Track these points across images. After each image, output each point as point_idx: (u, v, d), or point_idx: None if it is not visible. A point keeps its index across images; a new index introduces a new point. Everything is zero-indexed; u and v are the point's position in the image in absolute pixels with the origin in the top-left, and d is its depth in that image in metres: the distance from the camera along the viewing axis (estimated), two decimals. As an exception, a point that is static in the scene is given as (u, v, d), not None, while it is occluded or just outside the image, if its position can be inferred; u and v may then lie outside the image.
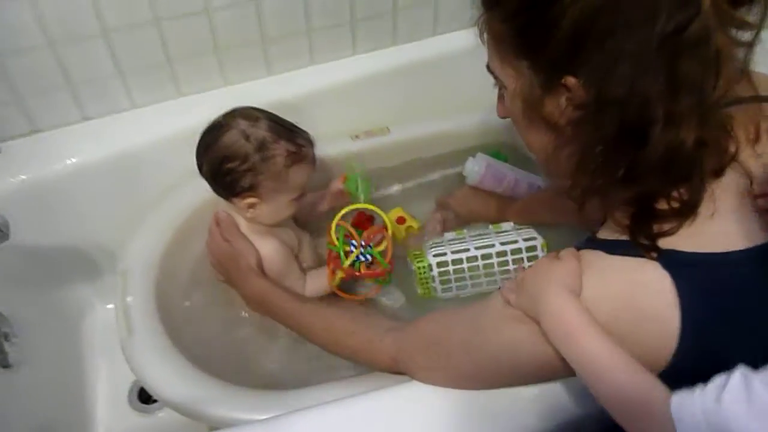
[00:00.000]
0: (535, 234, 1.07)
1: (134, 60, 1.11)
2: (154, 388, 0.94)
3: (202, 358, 0.99)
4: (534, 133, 0.71)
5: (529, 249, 1.06)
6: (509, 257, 1.05)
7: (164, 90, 1.18)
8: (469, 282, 1.06)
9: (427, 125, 1.33)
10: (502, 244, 1.05)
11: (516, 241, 1.06)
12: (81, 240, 1.22)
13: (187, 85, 1.20)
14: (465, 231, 1.13)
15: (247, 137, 0.99)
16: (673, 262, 0.60)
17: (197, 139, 1.02)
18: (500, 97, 0.76)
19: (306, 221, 1.22)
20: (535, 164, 1.28)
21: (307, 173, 1.05)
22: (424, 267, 1.06)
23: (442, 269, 1.05)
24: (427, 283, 1.07)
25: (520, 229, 1.11)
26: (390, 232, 1.09)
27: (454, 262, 1.05)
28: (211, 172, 1.02)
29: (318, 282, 1.11)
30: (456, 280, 1.06)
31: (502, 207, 1.24)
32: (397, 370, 0.86)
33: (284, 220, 1.09)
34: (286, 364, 1.08)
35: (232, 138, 0.99)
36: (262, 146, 0.99)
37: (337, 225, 1.07)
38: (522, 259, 1.05)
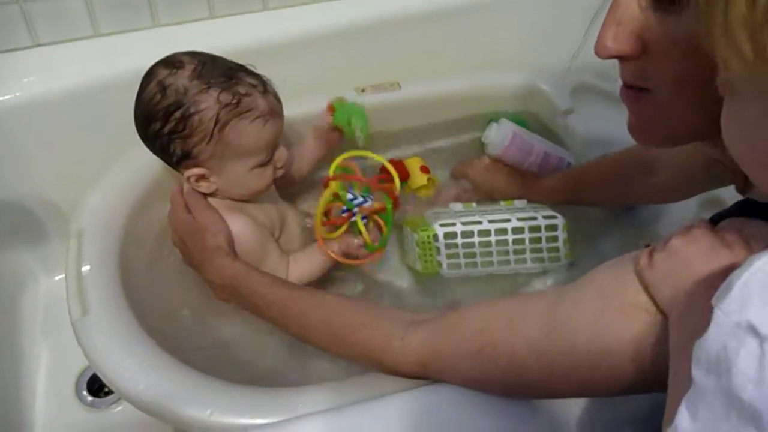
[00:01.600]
0: (554, 213, 0.98)
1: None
2: (114, 379, 0.75)
3: (174, 342, 0.81)
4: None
5: (549, 228, 0.97)
6: (526, 234, 0.97)
7: (137, 17, 1.01)
8: (479, 259, 0.97)
9: (444, 83, 1.18)
10: (519, 219, 0.97)
11: (535, 218, 0.97)
12: (22, 194, 1.04)
13: (166, 14, 1.02)
14: (474, 204, 1.05)
15: (163, 90, 0.79)
16: None
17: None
18: (621, 22, 0.53)
19: (293, 188, 1.04)
20: (564, 143, 1.15)
21: (262, 131, 0.83)
22: (428, 236, 0.95)
23: (450, 241, 0.96)
24: (430, 256, 0.96)
25: (536, 206, 1.02)
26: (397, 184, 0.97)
27: (464, 234, 0.96)
28: (141, 136, 0.84)
29: (305, 265, 0.93)
30: (465, 255, 0.96)
31: (530, 182, 1.09)
32: (425, 376, 0.68)
33: (259, 193, 0.90)
34: (280, 351, 0.91)
35: (149, 93, 0.80)
36: (183, 99, 0.79)
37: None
38: (540, 238, 0.97)
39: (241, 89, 0.81)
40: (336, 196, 0.93)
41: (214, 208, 0.87)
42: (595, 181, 1.00)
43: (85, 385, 1.03)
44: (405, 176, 1.10)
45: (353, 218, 0.94)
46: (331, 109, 0.98)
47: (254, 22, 1.06)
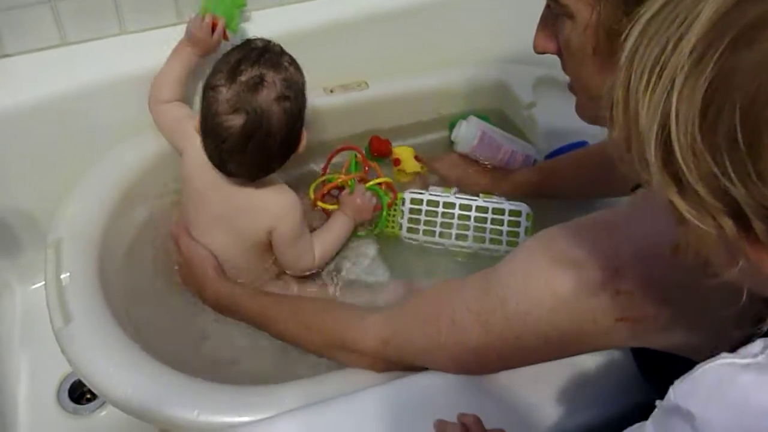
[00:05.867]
0: (522, 203, 1.03)
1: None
2: (100, 385, 0.77)
3: (158, 346, 0.83)
4: (606, 74, 0.58)
5: (513, 213, 1.02)
6: (489, 215, 1.02)
7: (105, 24, 0.99)
8: (438, 229, 1.03)
9: (411, 81, 1.19)
10: (486, 201, 1.03)
11: (501, 203, 1.03)
12: (-4, 205, 1.02)
13: (133, 21, 1.01)
14: (453, 189, 1.08)
15: (285, 96, 0.85)
16: None
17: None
18: (546, 26, 0.64)
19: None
20: (527, 135, 1.18)
21: None
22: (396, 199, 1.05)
23: (415, 206, 1.03)
24: (392, 218, 1.05)
25: (513, 202, 1.06)
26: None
27: (429, 203, 1.03)
28: (286, 155, 0.90)
29: (327, 237, 1.00)
30: (425, 223, 1.03)
31: (499, 176, 1.12)
32: (386, 356, 0.72)
33: None
34: (261, 352, 0.92)
35: (279, 113, 0.85)
36: (294, 83, 0.86)
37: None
38: (502, 221, 1.02)
39: (273, 46, 0.88)
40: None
41: (195, 243, 0.94)
42: (565, 174, 1.04)
43: (67, 393, 1.03)
44: (387, 152, 1.15)
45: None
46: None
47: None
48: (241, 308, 0.89)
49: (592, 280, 0.55)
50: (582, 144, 1.09)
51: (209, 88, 0.85)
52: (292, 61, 0.88)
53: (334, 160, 1.11)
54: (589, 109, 0.65)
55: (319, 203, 1.05)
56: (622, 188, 0.77)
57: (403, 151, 1.16)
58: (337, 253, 1.03)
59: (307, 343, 0.82)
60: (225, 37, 0.98)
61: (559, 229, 0.59)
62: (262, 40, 0.88)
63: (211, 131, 0.85)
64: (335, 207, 1.04)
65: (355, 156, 1.10)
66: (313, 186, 1.07)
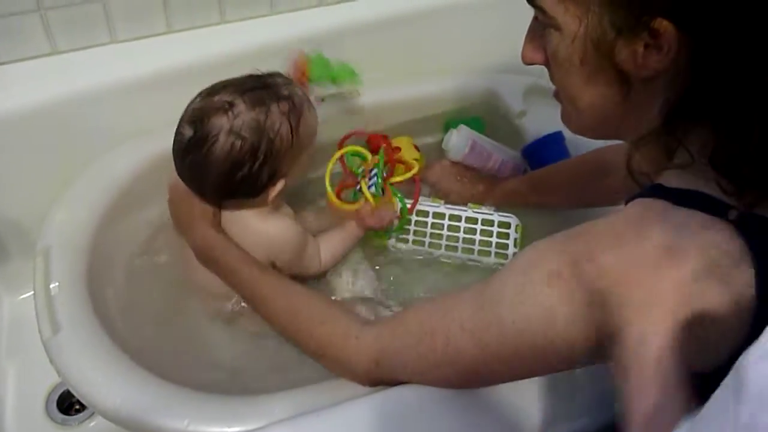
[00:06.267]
0: (511, 215, 1.04)
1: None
2: (90, 396, 0.76)
3: (147, 355, 0.81)
4: (592, 86, 0.60)
5: (502, 224, 1.03)
6: (479, 226, 1.03)
7: (95, 33, 0.99)
8: (427, 239, 1.03)
9: (402, 89, 1.20)
10: (475, 212, 1.04)
11: (491, 214, 1.04)
12: (-19, 214, 1.01)
13: (123, 30, 1.01)
14: (442, 201, 1.07)
15: (238, 135, 0.80)
16: (750, 225, 0.50)
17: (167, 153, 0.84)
18: (534, 38, 0.64)
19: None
20: (518, 144, 1.18)
21: (314, 112, 0.88)
22: None
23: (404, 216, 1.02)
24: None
25: (502, 213, 1.06)
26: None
27: (419, 213, 1.04)
28: (221, 192, 0.85)
29: (335, 243, 0.98)
30: (415, 233, 1.03)
31: (489, 185, 1.12)
32: (378, 375, 0.72)
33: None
34: (253, 361, 0.91)
35: (224, 146, 0.80)
36: (260, 131, 0.81)
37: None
38: (492, 232, 1.03)
39: (283, 91, 0.84)
40: (342, 163, 1.03)
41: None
42: (554, 183, 1.03)
43: (55, 404, 1.02)
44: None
45: (358, 187, 1.01)
46: (302, 62, 1.00)
47: (212, 35, 1.06)
48: (228, 267, 0.85)
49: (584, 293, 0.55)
50: (557, 135, 1.10)
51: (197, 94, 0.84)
52: (287, 115, 0.83)
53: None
54: (575, 119, 0.65)
55: (337, 203, 1.00)
56: (613, 197, 0.78)
57: (401, 141, 1.16)
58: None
59: (294, 341, 0.80)
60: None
61: (549, 243, 0.59)
62: (282, 78, 0.87)
63: (174, 133, 0.84)
64: (353, 207, 0.99)
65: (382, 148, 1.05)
66: (328, 179, 1.01)
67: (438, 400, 0.68)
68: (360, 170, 1.03)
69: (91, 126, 0.99)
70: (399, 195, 1.01)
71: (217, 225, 0.88)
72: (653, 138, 0.58)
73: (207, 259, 0.87)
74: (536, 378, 0.69)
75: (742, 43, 0.49)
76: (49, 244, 0.86)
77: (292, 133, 0.83)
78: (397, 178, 1.02)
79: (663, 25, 0.51)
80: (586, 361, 0.59)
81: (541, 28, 0.62)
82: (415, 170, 1.02)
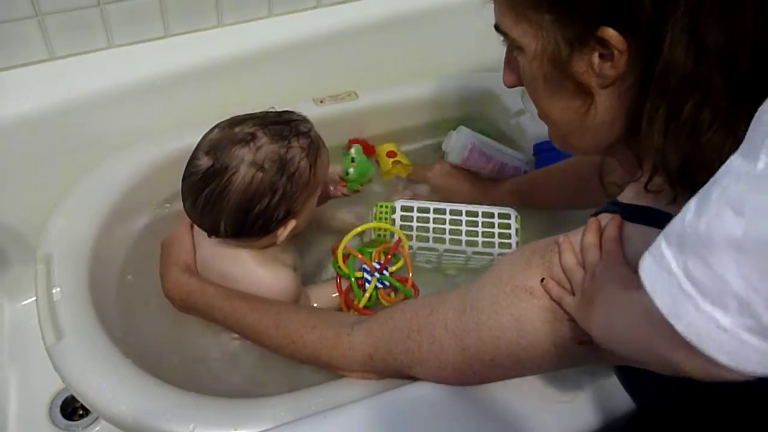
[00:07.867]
0: (510, 208, 1.04)
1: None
2: (94, 401, 0.75)
3: (151, 360, 0.82)
4: (557, 100, 0.63)
5: (502, 216, 1.03)
6: (480, 218, 1.03)
7: (92, 38, 0.99)
8: (431, 234, 1.01)
9: (399, 90, 1.20)
10: (474, 206, 1.04)
11: (490, 208, 1.04)
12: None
13: (121, 35, 1.01)
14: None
15: (260, 167, 0.79)
16: None
17: (175, 171, 0.82)
18: (508, 62, 0.67)
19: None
20: (517, 143, 1.20)
21: (326, 155, 0.87)
22: (386, 207, 1.02)
23: (406, 213, 1.02)
24: (384, 230, 1.01)
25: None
26: (405, 246, 0.96)
27: (420, 210, 1.03)
28: (237, 226, 0.82)
29: (323, 298, 0.95)
30: (418, 230, 1.01)
31: (489, 186, 1.13)
32: (373, 368, 0.74)
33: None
34: (257, 364, 0.91)
35: (245, 178, 0.78)
36: (282, 164, 0.80)
37: (345, 252, 0.93)
38: (493, 224, 1.03)
39: (302, 127, 0.83)
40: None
41: (187, 226, 0.89)
42: (553, 183, 1.04)
43: (58, 409, 1.02)
44: (373, 152, 1.18)
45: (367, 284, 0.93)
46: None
47: (209, 39, 1.06)
48: (209, 308, 0.84)
49: (548, 307, 0.59)
50: None
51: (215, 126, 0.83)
52: (307, 151, 0.82)
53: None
54: (554, 136, 0.69)
55: (341, 266, 0.93)
56: (599, 200, 0.79)
57: (389, 146, 1.18)
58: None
59: (290, 354, 0.81)
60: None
61: (522, 256, 0.63)
62: (297, 115, 0.86)
63: (186, 165, 0.82)
64: (353, 276, 0.92)
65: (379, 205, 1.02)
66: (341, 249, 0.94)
67: (442, 401, 0.69)
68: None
69: (90, 131, 1.00)
70: (392, 280, 0.94)
71: (190, 270, 0.87)
72: (623, 147, 0.61)
73: (183, 306, 0.86)
74: (536, 378, 0.71)
75: (678, 40, 0.50)
76: (50, 250, 0.86)
77: (310, 169, 0.82)
78: (392, 268, 0.95)
79: (608, 33, 0.53)
80: (566, 365, 0.65)
81: (510, 51, 0.65)
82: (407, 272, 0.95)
